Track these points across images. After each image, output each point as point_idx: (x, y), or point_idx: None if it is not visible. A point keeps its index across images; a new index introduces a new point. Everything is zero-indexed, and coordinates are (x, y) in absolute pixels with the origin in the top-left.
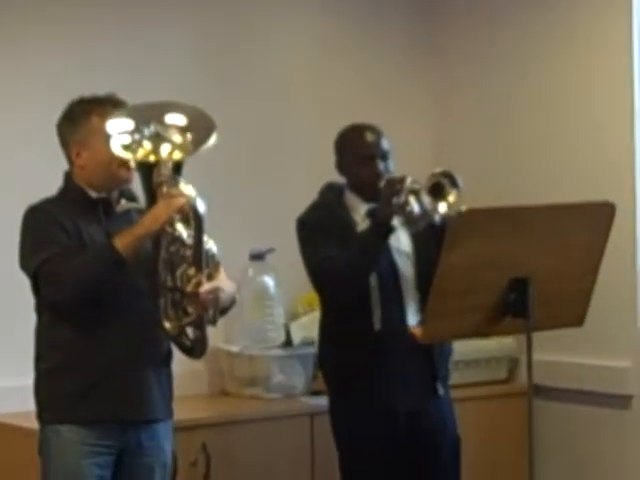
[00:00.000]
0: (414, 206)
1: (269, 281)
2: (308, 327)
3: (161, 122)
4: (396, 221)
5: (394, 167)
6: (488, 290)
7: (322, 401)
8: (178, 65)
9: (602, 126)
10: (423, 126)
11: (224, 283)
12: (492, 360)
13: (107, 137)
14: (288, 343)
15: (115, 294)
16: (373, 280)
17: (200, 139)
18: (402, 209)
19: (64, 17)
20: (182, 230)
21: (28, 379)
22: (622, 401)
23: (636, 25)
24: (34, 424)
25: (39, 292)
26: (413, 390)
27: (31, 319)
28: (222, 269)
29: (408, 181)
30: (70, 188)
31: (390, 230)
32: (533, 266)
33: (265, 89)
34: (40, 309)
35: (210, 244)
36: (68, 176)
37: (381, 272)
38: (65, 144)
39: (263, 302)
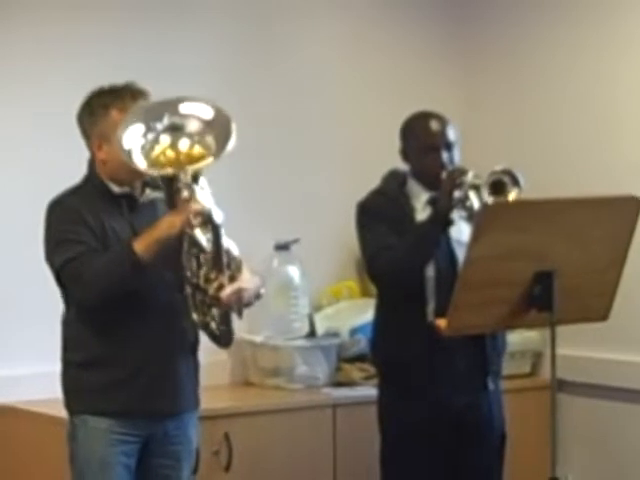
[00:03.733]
0: (474, 201)
1: (294, 271)
2: (332, 318)
3: (176, 112)
4: (456, 214)
5: (459, 157)
6: (513, 283)
7: (345, 392)
8: (207, 60)
9: (631, 120)
10: (451, 117)
11: (247, 282)
12: (516, 354)
13: (126, 154)
14: (312, 334)
15: (141, 288)
16: (431, 270)
17: (220, 137)
18: (462, 203)
19: (94, 18)
20: (201, 237)
21: (49, 366)
22: None
23: None
24: (59, 411)
25: (64, 287)
26: (463, 383)
27: (55, 307)
28: (245, 267)
29: (470, 175)
30: (93, 181)
31: (449, 223)
32: (558, 259)
33: (290, 83)
34: (66, 301)
35: (230, 245)
36: (91, 165)
37: (440, 263)
38: (86, 136)
39: (287, 292)
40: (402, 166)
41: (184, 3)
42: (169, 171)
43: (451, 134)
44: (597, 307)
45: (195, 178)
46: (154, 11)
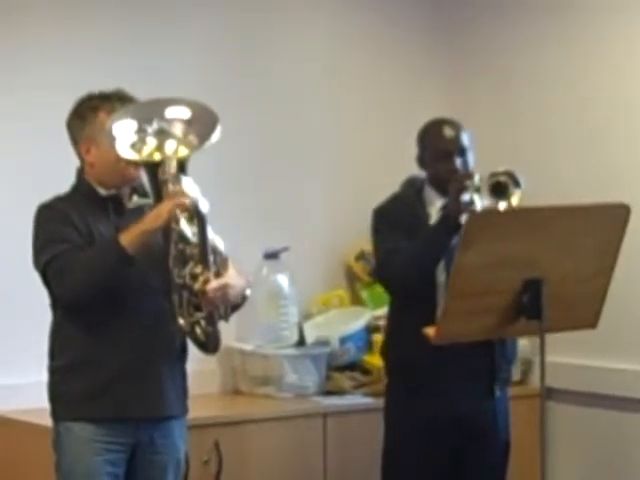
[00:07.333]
0: (478, 205)
1: (283, 280)
2: (322, 327)
3: (163, 117)
4: (465, 218)
5: (474, 162)
6: (502, 291)
7: (335, 401)
8: (195, 68)
9: (619, 127)
10: None
11: (233, 279)
12: None
13: (112, 139)
14: (301, 343)
15: (126, 292)
16: (442, 275)
17: (204, 134)
18: (469, 207)
19: (79, 16)
20: (187, 228)
21: (42, 376)
22: (635, 404)
23: None
24: (48, 421)
25: (50, 289)
26: (470, 389)
27: (46, 316)
28: (231, 265)
29: (476, 179)
30: (81, 185)
31: (458, 227)
32: (547, 267)
33: (279, 90)
34: (54, 307)
35: (217, 241)
36: (79, 173)
37: (451, 267)
38: (75, 141)
39: (277, 301)
40: (405, 174)
41: (169, 14)
42: (156, 157)
43: (465, 139)
44: (586, 315)
45: (182, 167)
46: (139, 21)
